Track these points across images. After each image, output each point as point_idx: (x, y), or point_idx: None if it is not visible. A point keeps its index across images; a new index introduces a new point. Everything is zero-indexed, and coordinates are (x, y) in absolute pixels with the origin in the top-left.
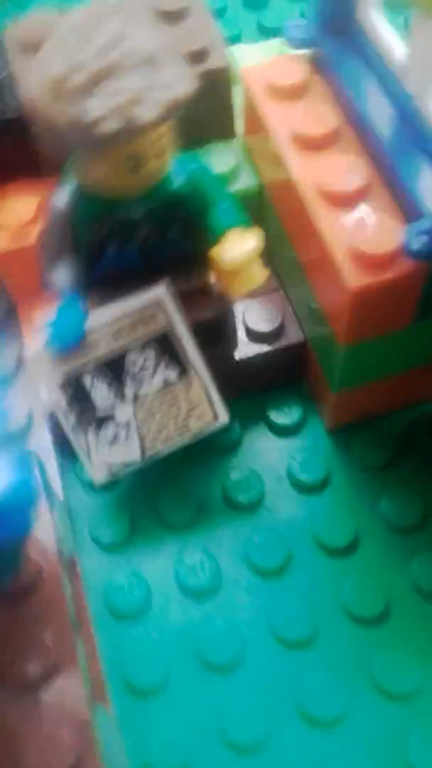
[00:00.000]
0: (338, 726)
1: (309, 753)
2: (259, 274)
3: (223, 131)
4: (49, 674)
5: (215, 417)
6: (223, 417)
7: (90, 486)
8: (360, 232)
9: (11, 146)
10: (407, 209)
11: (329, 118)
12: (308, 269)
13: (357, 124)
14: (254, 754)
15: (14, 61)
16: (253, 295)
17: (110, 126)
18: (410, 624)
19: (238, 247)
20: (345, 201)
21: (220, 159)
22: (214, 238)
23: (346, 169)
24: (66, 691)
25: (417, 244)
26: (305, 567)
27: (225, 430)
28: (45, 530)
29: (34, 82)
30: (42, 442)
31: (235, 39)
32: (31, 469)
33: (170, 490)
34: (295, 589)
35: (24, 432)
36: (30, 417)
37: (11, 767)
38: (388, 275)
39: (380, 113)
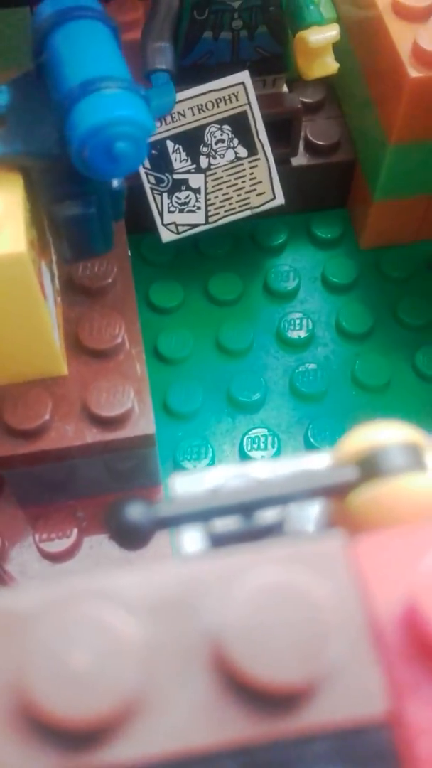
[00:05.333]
0: None
1: None
2: (332, 64)
3: None
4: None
5: (273, 195)
6: (280, 198)
7: (151, 263)
8: (425, 36)
9: None
10: None
11: None
12: (372, 78)
13: None
14: None
15: None
16: (315, 114)
17: None
18: (406, 396)
19: (321, 33)
20: (415, 15)
21: None
22: (302, 26)
23: None
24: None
25: None
26: (325, 345)
27: (272, 232)
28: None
29: None
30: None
31: None
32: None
33: (220, 277)
34: (314, 360)
35: None
36: None
37: None
38: None
39: None
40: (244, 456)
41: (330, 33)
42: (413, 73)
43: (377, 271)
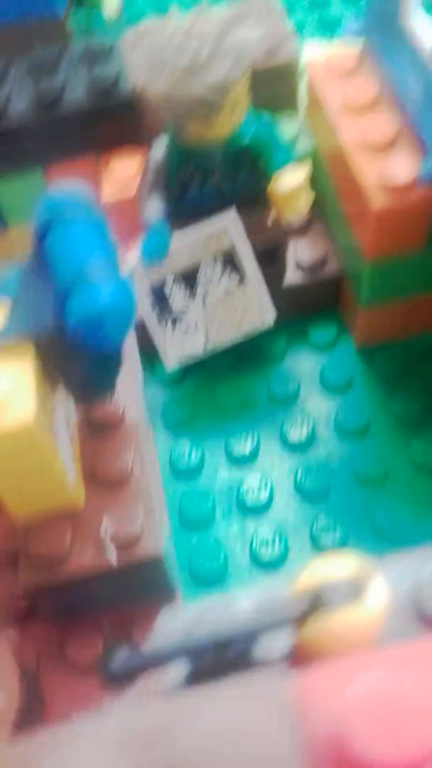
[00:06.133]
0: None
1: None
2: (305, 203)
3: (289, 105)
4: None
5: (263, 320)
6: (269, 321)
7: (162, 381)
8: (386, 166)
9: (122, 122)
10: (427, 152)
11: (372, 90)
12: (346, 203)
13: (393, 94)
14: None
15: (129, 57)
16: (302, 232)
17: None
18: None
19: (289, 179)
20: (378, 147)
21: (286, 128)
22: (272, 174)
23: (381, 125)
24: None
25: (426, 172)
26: (325, 444)
27: (272, 342)
28: (131, 386)
29: (151, 73)
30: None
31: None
32: (131, 284)
33: (226, 386)
34: (316, 459)
35: None
36: None
37: None
38: (406, 199)
39: (411, 87)
40: (254, 557)
41: (295, 180)
42: (377, 204)
43: (372, 368)
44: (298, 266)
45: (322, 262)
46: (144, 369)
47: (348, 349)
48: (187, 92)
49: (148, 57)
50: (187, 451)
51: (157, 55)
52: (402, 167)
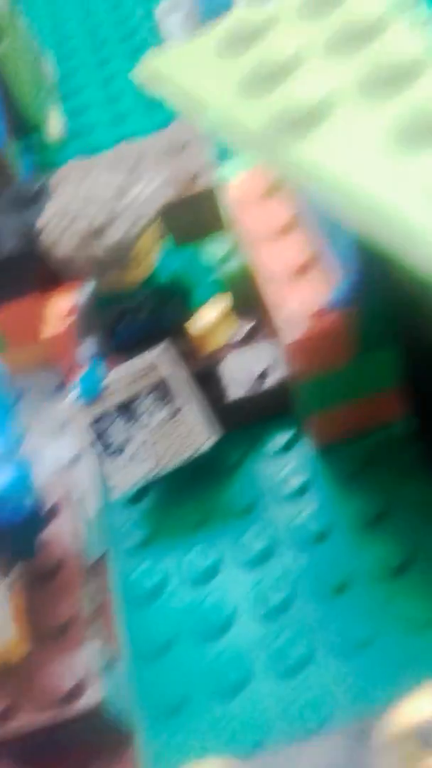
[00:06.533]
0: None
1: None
2: (224, 337)
3: (214, 227)
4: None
5: (205, 442)
6: (212, 441)
7: (121, 500)
8: (299, 295)
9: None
10: (337, 280)
11: (282, 216)
12: (272, 325)
13: (308, 218)
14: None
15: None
16: (245, 342)
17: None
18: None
19: (203, 319)
20: (291, 275)
21: (217, 246)
22: (194, 310)
23: (294, 251)
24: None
25: (338, 295)
26: (285, 554)
27: (228, 451)
28: (67, 532)
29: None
30: (90, 467)
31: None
32: (26, 470)
33: (182, 503)
34: (276, 570)
35: (77, 459)
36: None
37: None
38: (320, 326)
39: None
40: (217, 682)
41: (209, 317)
42: (289, 336)
43: (331, 468)
44: (244, 378)
45: (266, 372)
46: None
47: (305, 450)
48: (87, 255)
49: (51, 218)
50: (145, 574)
51: (59, 218)
52: (315, 293)
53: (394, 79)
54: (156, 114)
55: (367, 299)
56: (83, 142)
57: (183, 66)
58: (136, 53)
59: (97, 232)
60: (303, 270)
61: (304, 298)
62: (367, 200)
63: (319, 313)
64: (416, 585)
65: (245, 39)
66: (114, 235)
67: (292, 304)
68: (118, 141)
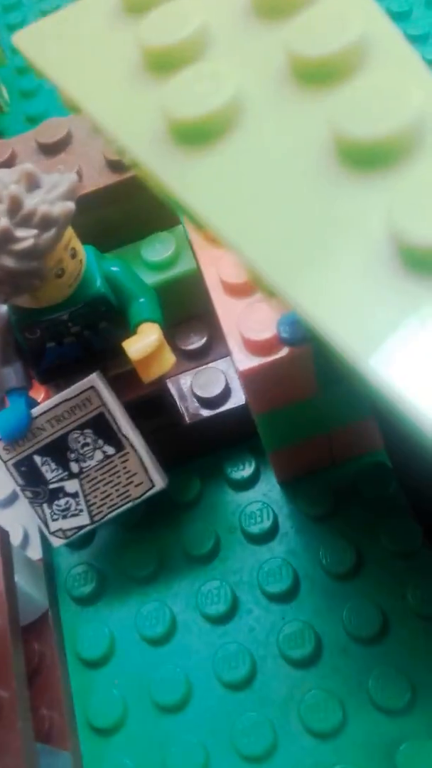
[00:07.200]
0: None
1: None
2: (166, 363)
3: (167, 221)
4: None
5: (152, 484)
6: (159, 483)
7: (67, 545)
8: (248, 319)
9: None
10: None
11: None
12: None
13: None
14: None
15: None
16: (203, 362)
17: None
18: (337, 666)
19: (142, 341)
20: (238, 291)
21: (163, 246)
22: (131, 330)
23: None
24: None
25: (285, 332)
26: (249, 612)
27: (185, 487)
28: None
29: None
30: (28, 509)
31: None
32: None
33: (135, 547)
34: (238, 633)
35: (11, 501)
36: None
37: None
38: (270, 358)
39: None
40: (169, 764)
41: (148, 340)
42: (241, 365)
43: (297, 507)
44: (200, 401)
45: (224, 395)
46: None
47: (269, 484)
48: None
49: None
50: (93, 635)
51: None
52: (265, 317)
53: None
54: None
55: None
56: None
57: (65, 36)
58: None
59: (4, 238)
60: (249, 292)
61: (261, 317)
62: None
63: (274, 342)
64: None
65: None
66: (25, 241)
67: (248, 324)
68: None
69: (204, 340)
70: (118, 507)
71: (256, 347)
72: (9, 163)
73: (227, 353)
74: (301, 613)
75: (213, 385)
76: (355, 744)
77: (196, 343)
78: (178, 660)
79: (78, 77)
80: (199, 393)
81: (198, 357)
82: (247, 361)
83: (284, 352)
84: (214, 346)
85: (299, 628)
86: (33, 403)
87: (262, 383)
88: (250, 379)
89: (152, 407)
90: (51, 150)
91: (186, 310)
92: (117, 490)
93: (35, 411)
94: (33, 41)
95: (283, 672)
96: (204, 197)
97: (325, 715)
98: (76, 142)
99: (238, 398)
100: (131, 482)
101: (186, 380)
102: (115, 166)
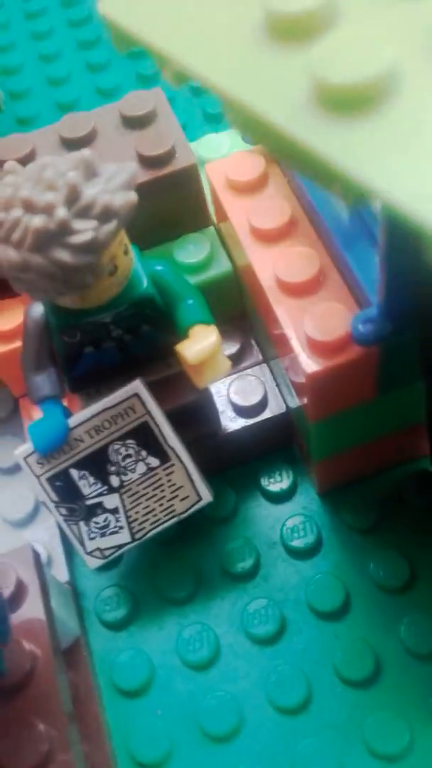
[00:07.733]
0: None
1: None
2: (222, 366)
3: (197, 222)
4: (43, 764)
5: (198, 497)
6: (206, 497)
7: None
8: (314, 319)
9: None
10: (358, 297)
11: (284, 211)
12: (278, 347)
13: (311, 216)
14: None
15: None
16: (238, 369)
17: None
18: (400, 684)
19: (200, 344)
20: (300, 290)
21: (196, 248)
22: (180, 333)
23: (300, 260)
24: None
25: (362, 331)
26: (299, 632)
27: (220, 500)
28: (37, 626)
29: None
30: (48, 528)
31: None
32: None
33: (169, 566)
34: (289, 655)
35: (30, 519)
36: (36, 505)
37: None
38: (340, 360)
39: (332, 207)
40: None
41: (207, 342)
42: (309, 368)
43: (341, 519)
44: (236, 410)
45: (263, 404)
46: (73, 555)
47: (310, 496)
48: (46, 260)
49: None
50: (130, 663)
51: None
52: (332, 317)
53: None
54: (102, 76)
55: (397, 333)
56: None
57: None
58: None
59: (61, 229)
60: (312, 287)
61: (320, 320)
62: None
63: (343, 343)
64: None
65: None
66: (84, 233)
67: (307, 328)
68: (55, 110)
69: (238, 346)
70: (162, 523)
71: (324, 348)
72: (30, 158)
73: (262, 360)
74: (356, 631)
75: (251, 392)
76: (426, 766)
77: (230, 349)
78: (225, 686)
79: (188, 44)
80: (237, 401)
81: (232, 364)
82: (315, 364)
83: (354, 353)
84: (248, 352)
85: (355, 647)
86: (68, 413)
87: (329, 387)
88: (317, 382)
89: (193, 416)
90: (75, 145)
91: (220, 314)
92: (161, 505)
93: (72, 421)
94: (125, 7)
95: (342, 693)
96: (371, 164)
97: (392, 737)
98: (102, 138)
99: (277, 406)
100: (176, 496)
101: (219, 388)
102: (148, 162)
